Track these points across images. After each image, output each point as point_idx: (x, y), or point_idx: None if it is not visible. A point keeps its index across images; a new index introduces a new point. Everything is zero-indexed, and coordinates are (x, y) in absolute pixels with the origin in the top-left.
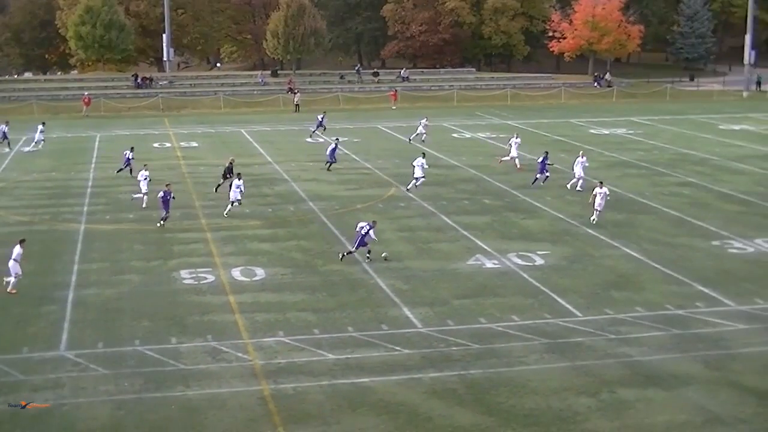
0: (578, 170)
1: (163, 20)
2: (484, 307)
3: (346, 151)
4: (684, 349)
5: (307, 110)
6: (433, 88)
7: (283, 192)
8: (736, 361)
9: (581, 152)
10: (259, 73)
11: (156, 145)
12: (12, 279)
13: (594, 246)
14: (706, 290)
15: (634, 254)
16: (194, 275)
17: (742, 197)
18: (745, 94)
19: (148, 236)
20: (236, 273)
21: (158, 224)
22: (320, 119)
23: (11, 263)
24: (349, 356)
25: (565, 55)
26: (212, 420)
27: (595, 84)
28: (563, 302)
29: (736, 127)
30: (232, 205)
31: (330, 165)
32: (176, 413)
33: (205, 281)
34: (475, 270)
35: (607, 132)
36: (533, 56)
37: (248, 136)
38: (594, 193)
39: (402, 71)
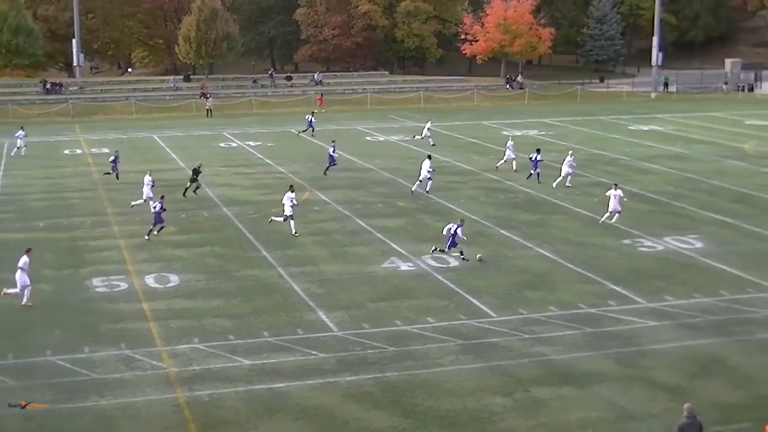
0: (565, 168)
1: (73, 25)
2: (399, 310)
3: (260, 156)
4: (597, 347)
5: (220, 115)
6: (346, 91)
7: (197, 197)
8: (647, 357)
9: (570, 152)
10: (171, 77)
11: (67, 151)
12: (17, 291)
13: (508, 247)
14: (617, 288)
15: (548, 254)
16: (107, 283)
17: (651, 196)
18: (653, 95)
19: (59, 244)
20: (150, 280)
21: (146, 237)
22: (310, 120)
23: (18, 273)
24: (265, 361)
25: (477, 57)
26: (127, 429)
27: (507, 86)
28: (478, 303)
29: (645, 128)
30: (285, 219)
31: (328, 168)
32: (90, 423)
33: (118, 289)
34: (390, 273)
35: (519, 134)
36: (446, 59)
37: (161, 142)
38: (608, 194)
39: (315, 75)
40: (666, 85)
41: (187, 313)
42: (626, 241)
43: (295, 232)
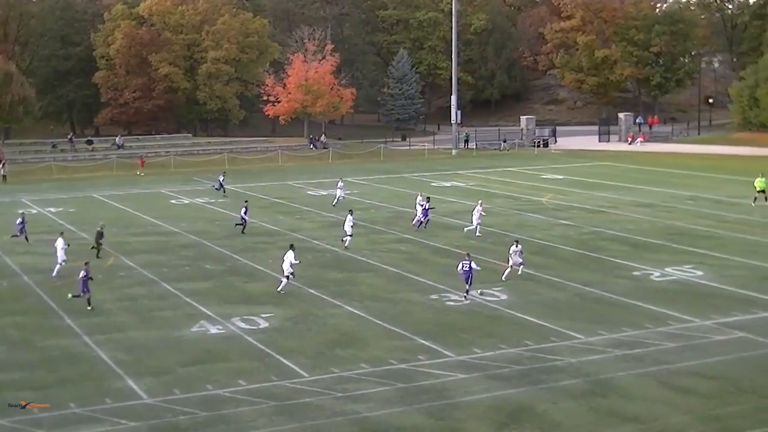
0: (475, 218)
1: None
2: (210, 374)
3: (61, 222)
4: (409, 401)
5: (18, 181)
6: (149, 154)
7: None
8: (459, 409)
9: (479, 201)
10: None
11: None
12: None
13: (317, 306)
14: (427, 343)
15: (357, 312)
16: None
17: (456, 251)
18: (453, 152)
19: None
20: None
21: (89, 308)
22: (221, 180)
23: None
24: None
25: (280, 118)
26: None
27: (311, 146)
28: (289, 363)
29: (447, 184)
30: (287, 279)
31: (243, 228)
32: None
33: None
34: (199, 336)
35: (324, 193)
36: (249, 120)
37: None
38: (510, 252)
39: (117, 139)
40: (466, 142)
41: None
42: (433, 296)
43: (280, 290)
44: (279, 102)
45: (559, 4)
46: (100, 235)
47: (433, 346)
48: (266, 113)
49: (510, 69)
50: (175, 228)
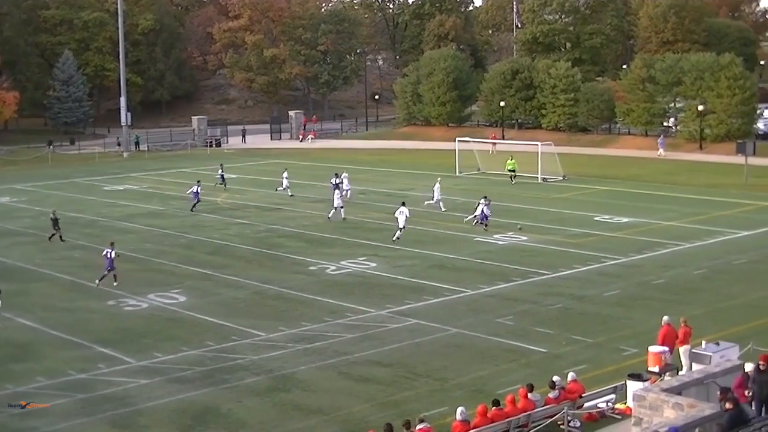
0: (436, 194)
1: None
2: None
3: None
4: (90, 412)
5: None
6: None
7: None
8: (143, 415)
9: (438, 178)
10: None
11: None
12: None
13: None
14: (106, 351)
15: (30, 323)
16: None
17: (131, 255)
18: (125, 154)
19: None
20: None
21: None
22: (221, 174)
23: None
24: None
25: None
26: None
27: None
28: None
29: (120, 187)
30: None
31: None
32: None
33: None
34: None
35: None
36: None
37: None
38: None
39: None
40: (137, 144)
41: None
42: (111, 302)
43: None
44: None
45: (227, 3)
46: (55, 221)
47: (113, 353)
48: None
49: (179, 69)
50: None
